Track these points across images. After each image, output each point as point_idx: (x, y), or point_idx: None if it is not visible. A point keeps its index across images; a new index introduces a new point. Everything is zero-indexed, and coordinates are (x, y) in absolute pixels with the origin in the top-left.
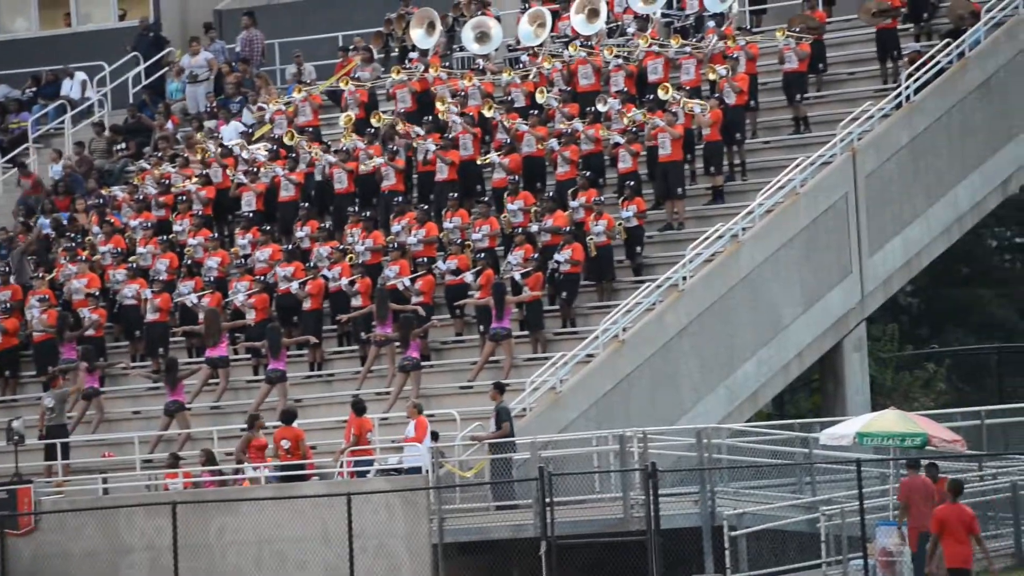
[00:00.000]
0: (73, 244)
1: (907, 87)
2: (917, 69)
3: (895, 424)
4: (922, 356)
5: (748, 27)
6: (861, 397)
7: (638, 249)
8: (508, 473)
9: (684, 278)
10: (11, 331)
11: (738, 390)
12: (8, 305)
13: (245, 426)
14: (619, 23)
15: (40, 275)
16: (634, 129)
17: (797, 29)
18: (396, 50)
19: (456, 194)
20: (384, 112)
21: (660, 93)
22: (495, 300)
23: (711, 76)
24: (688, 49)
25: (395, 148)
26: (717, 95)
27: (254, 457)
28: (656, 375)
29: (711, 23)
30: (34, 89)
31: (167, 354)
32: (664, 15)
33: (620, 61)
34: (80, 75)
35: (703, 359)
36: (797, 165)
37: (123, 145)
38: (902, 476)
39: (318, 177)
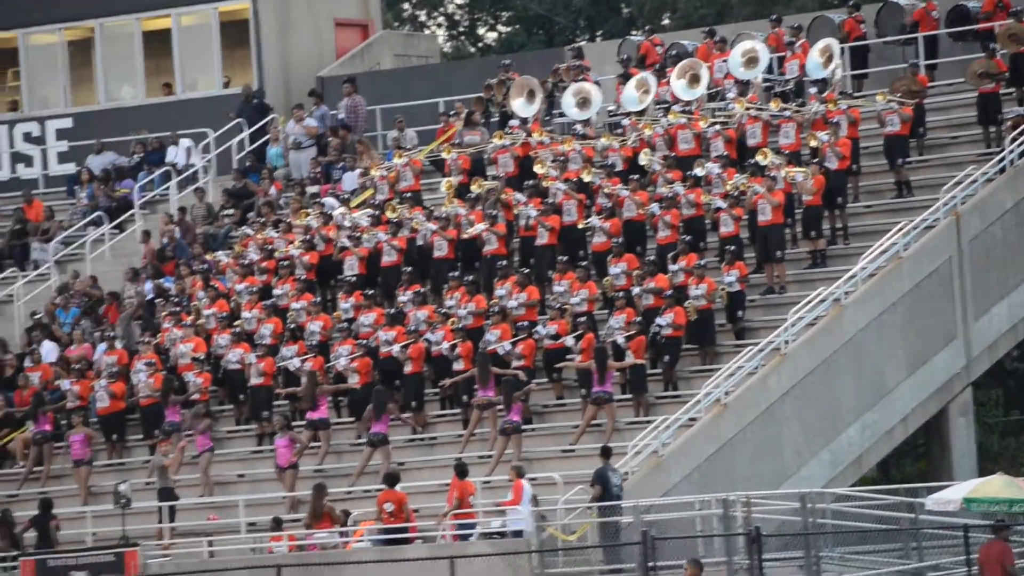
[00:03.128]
0: (178, 309)
1: (1011, 151)
2: (1021, 133)
3: (1003, 490)
4: None
5: (849, 91)
6: (968, 462)
7: (740, 313)
8: (615, 537)
9: (786, 342)
10: (119, 395)
11: (842, 455)
12: (116, 369)
13: (347, 489)
14: (720, 88)
15: (147, 340)
16: (736, 194)
17: (899, 94)
18: (496, 115)
19: (566, 258)
20: (486, 178)
21: (759, 159)
22: (597, 364)
23: (812, 143)
24: (788, 112)
25: (495, 213)
26: (818, 160)
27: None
28: (759, 439)
29: (813, 89)
30: (140, 156)
31: (271, 417)
32: (765, 80)
33: (718, 127)
34: (185, 142)
35: (806, 423)
36: (900, 229)
37: (230, 211)
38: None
39: (419, 242)
